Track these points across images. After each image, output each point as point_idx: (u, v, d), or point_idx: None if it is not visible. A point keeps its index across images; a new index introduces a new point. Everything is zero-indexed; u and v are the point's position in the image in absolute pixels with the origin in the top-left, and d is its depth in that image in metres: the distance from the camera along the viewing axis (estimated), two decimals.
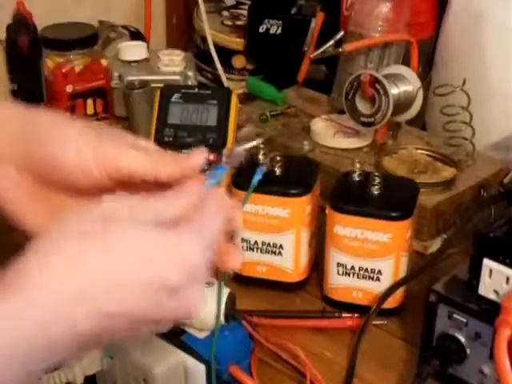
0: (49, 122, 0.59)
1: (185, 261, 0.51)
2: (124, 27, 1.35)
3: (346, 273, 0.84)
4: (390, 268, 0.83)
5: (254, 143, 0.57)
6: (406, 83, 1.04)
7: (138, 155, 0.57)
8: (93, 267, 0.49)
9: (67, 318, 0.48)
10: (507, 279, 0.68)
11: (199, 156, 0.58)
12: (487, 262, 0.69)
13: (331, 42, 1.14)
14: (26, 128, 0.59)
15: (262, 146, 0.89)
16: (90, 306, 0.49)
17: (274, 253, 0.87)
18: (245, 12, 1.35)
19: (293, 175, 0.87)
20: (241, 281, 0.89)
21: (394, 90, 1.02)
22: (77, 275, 0.48)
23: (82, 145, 0.58)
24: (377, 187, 0.83)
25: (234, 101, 0.99)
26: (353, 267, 0.83)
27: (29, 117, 0.60)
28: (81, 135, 0.58)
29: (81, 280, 0.48)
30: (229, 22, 1.38)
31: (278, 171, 0.86)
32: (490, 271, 0.69)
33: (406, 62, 1.11)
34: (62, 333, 0.48)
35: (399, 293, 0.84)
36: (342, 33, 1.14)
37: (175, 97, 0.99)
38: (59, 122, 0.59)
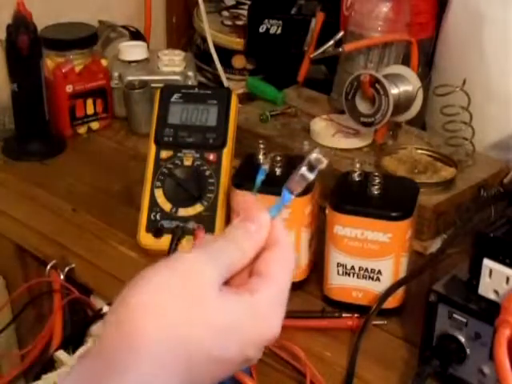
0: None
1: (267, 340, 0.53)
2: (124, 27, 1.35)
3: (346, 273, 0.84)
4: (390, 268, 0.83)
5: (317, 170, 0.55)
6: (405, 83, 1.04)
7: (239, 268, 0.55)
8: (196, 347, 0.50)
9: None
10: (507, 279, 0.68)
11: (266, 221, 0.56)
12: (487, 262, 0.69)
13: (331, 42, 1.14)
14: None
15: (262, 145, 0.89)
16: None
17: None
18: (245, 12, 1.35)
19: None
20: None
21: (393, 90, 1.02)
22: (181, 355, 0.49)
23: None
24: (377, 187, 0.83)
25: (234, 101, 0.99)
26: (353, 267, 0.83)
27: None
28: None
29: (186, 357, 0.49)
30: (229, 22, 1.38)
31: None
32: (490, 271, 0.69)
33: (406, 61, 1.11)
34: None
35: (399, 293, 0.84)
36: (341, 33, 1.14)
37: (175, 97, 0.99)
38: None
